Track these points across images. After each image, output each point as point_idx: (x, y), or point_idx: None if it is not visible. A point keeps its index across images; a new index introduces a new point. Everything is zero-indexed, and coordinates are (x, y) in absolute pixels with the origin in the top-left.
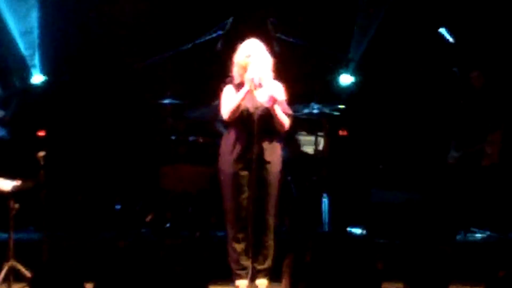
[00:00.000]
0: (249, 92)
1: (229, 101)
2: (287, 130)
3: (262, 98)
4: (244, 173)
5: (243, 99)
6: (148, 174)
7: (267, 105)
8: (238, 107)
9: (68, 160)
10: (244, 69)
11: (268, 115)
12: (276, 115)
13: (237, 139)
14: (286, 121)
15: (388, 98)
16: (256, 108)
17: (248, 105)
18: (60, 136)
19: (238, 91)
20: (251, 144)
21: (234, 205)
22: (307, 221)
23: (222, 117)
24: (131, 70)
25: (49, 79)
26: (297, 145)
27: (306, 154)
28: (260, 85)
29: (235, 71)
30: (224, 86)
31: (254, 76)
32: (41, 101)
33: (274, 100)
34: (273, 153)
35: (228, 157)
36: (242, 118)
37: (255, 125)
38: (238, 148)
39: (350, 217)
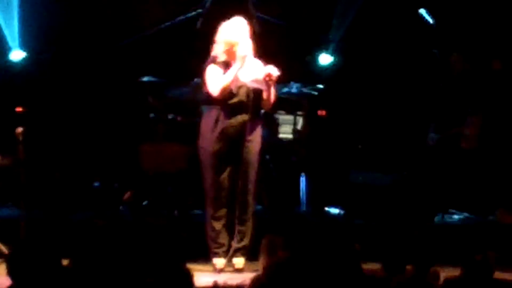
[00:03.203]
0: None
1: (218, 79)
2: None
3: (244, 78)
4: (226, 151)
5: (235, 75)
6: (127, 153)
7: (251, 85)
8: (230, 85)
9: (47, 137)
10: (231, 46)
11: (252, 95)
12: (270, 92)
13: (218, 118)
14: (273, 100)
15: (367, 79)
16: (239, 87)
17: (231, 85)
18: (39, 112)
19: (225, 69)
20: (234, 123)
21: (214, 184)
22: (285, 201)
23: (203, 95)
24: (111, 48)
25: (29, 56)
26: (276, 124)
27: (285, 133)
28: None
29: (220, 49)
30: (207, 65)
31: (247, 54)
32: (20, 77)
33: (270, 75)
34: (254, 132)
35: (210, 136)
36: (227, 97)
37: (241, 105)
38: (219, 126)
39: (328, 197)
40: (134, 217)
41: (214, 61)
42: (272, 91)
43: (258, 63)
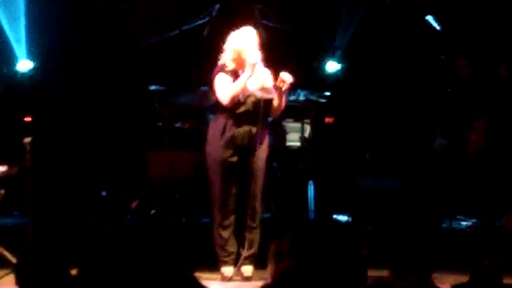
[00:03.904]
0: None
1: (228, 87)
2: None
3: (252, 86)
4: (234, 159)
5: (245, 83)
6: (133, 161)
7: (259, 93)
8: (240, 92)
9: (54, 146)
10: (240, 54)
11: (260, 104)
12: (281, 99)
13: (225, 126)
14: (282, 107)
15: (374, 85)
16: (247, 97)
17: (239, 94)
18: (46, 121)
19: (233, 77)
20: (242, 131)
21: (222, 191)
22: (293, 207)
23: (210, 103)
24: (117, 57)
25: (36, 65)
26: (283, 132)
27: (292, 141)
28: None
29: (229, 57)
30: (216, 74)
31: (257, 61)
32: (28, 86)
33: (284, 82)
34: (262, 140)
35: (218, 143)
36: (233, 105)
37: (248, 113)
38: (227, 134)
39: (336, 204)
40: (141, 225)
41: (222, 69)
42: (283, 98)
43: (267, 71)
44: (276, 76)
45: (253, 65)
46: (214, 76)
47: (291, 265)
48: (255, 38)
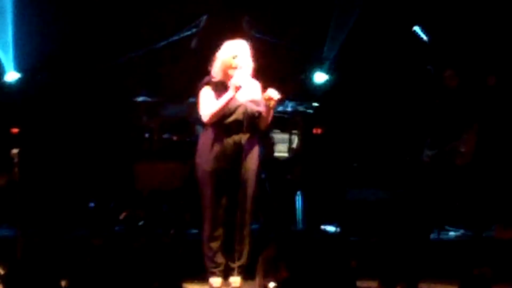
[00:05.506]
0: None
1: (210, 105)
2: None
3: (242, 98)
4: (224, 170)
5: (226, 104)
6: (122, 172)
7: (248, 105)
8: (220, 111)
9: (42, 157)
10: (228, 67)
11: (249, 115)
12: (269, 114)
13: (215, 137)
14: (270, 120)
15: (362, 96)
16: (237, 107)
17: (229, 105)
18: (34, 133)
19: (218, 90)
20: (231, 141)
21: (212, 202)
22: (281, 219)
23: (198, 116)
24: (105, 68)
25: (24, 77)
26: (271, 143)
27: (281, 152)
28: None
29: (217, 66)
30: (202, 87)
31: (240, 84)
32: (15, 98)
33: (271, 99)
34: (251, 150)
35: (207, 154)
36: (222, 117)
37: (238, 124)
38: (217, 146)
39: (324, 215)
40: (130, 237)
41: (209, 81)
42: (270, 113)
43: (255, 83)
44: (264, 88)
45: (237, 88)
46: (200, 89)
47: (281, 278)
48: (247, 55)
